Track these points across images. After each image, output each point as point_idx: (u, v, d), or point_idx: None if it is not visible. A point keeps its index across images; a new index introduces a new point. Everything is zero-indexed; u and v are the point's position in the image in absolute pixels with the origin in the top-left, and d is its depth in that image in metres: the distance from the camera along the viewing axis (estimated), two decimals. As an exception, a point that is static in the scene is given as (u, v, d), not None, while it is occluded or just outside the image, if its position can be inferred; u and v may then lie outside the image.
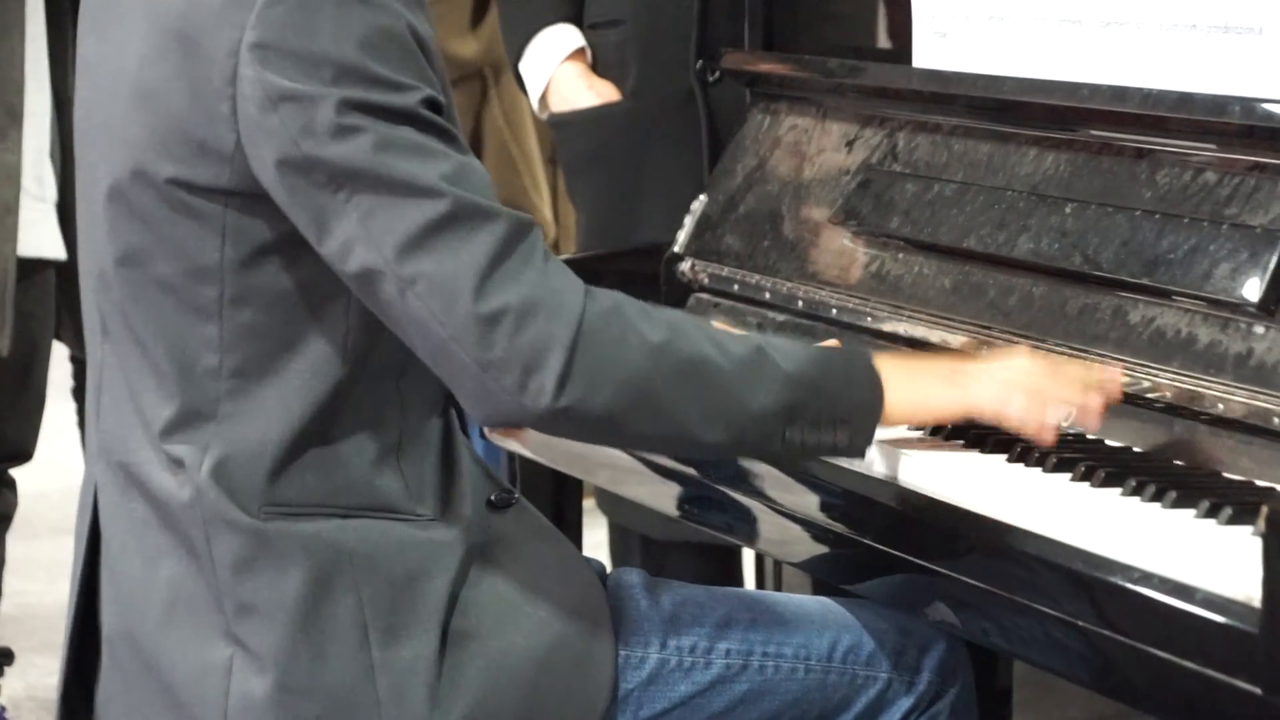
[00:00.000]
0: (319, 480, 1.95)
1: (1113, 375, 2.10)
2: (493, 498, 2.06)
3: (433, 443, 2.00)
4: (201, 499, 1.93)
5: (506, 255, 1.87)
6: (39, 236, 3.36)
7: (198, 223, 1.92)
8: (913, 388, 2.03)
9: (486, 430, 2.39)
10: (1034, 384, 2.06)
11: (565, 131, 3.27)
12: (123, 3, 1.98)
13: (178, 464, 1.95)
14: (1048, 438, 2.06)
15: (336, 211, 1.86)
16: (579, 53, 3.22)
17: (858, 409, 1.99)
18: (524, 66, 3.26)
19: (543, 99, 3.25)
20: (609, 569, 2.17)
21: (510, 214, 1.89)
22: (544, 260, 1.90)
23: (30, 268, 3.33)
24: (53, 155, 3.42)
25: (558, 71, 3.21)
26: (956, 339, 2.36)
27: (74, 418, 3.92)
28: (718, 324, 2.17)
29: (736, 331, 2.01)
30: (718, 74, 3.07)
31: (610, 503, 3.25)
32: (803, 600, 2.17)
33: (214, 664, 1.94)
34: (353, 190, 1.86)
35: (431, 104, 1.88)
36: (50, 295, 3.44)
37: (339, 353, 1.94)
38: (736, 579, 3.35)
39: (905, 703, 2.12)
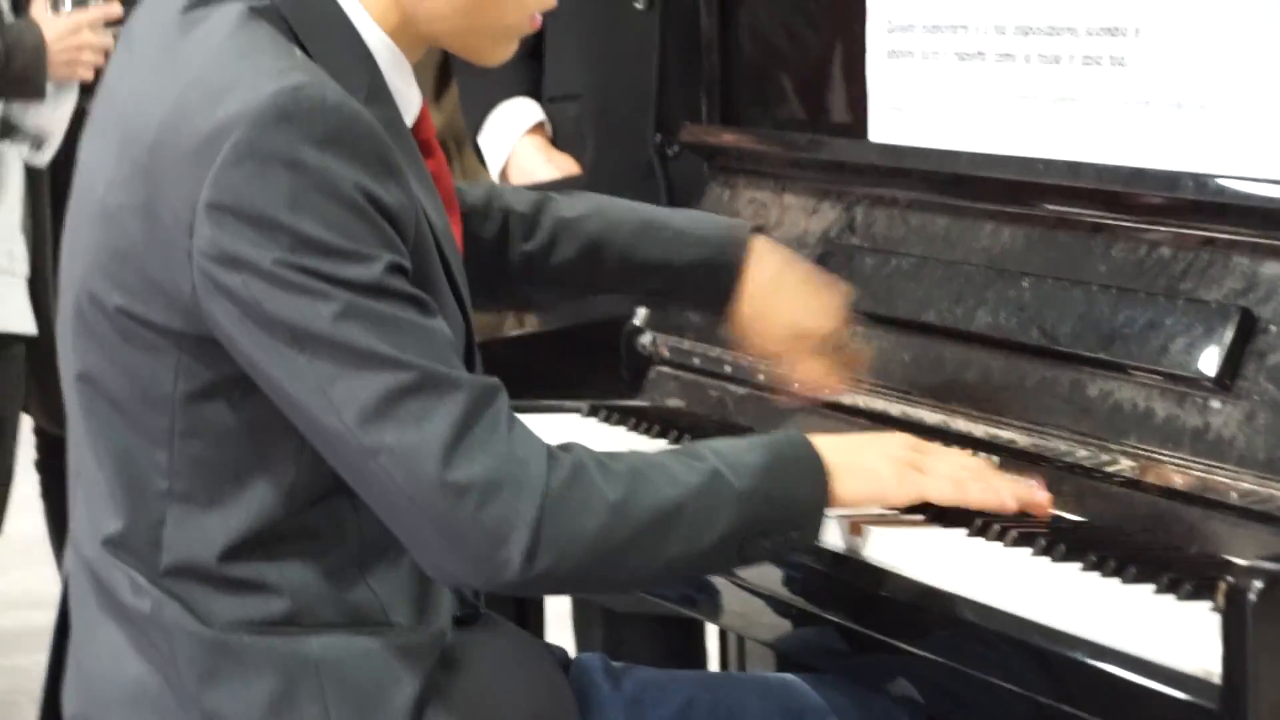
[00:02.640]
0: (278, 601, 1.93)
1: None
2: (457, 614, 2.05)
3: (404, 552, 1.97)
4: (161, 611, 1.93)
5: (471, 425, 1.86)
6: (8, 311, 3.35)
7: (150, 354, 1.91)
8: (863, 480, 2.04)
9: None
10: (980, 470, 2.08)
11: None
12: (110, 109, 1.97)
13: (130, 579, 1.94)
14: (1009, 508, 2.07)
15: (297, 371, 1.85)
16: (538, 126, 3.24)
17: (807, 511, 2.00)
18: (484, 139, 3.27)
19: (503, 172, 3.26)
20: (572, 646, 2.18)
21: (473, 380, 1.87)
22: (508, 428, 1.88)
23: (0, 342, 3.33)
24: (24, 229, 3.42)
25: (517, 145, 3.23)
26: (916, 413, 2.37)
27: (36, 489, 3.91)
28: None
29: (687, 450, 2.01)
30: (676, 148, 3.09)
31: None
32: (765, 678, 2.17)
33: None
34: (314, 353, 1.84)
35: (395, 269, 1.86)
36: (19, 370, 3.44)
37: (288, 485, 1.93)
38: (699, 653, 3.35)
39: (869, 779, 2.12)
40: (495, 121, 3.24)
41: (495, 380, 1.90)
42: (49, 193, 3.46)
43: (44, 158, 3.35)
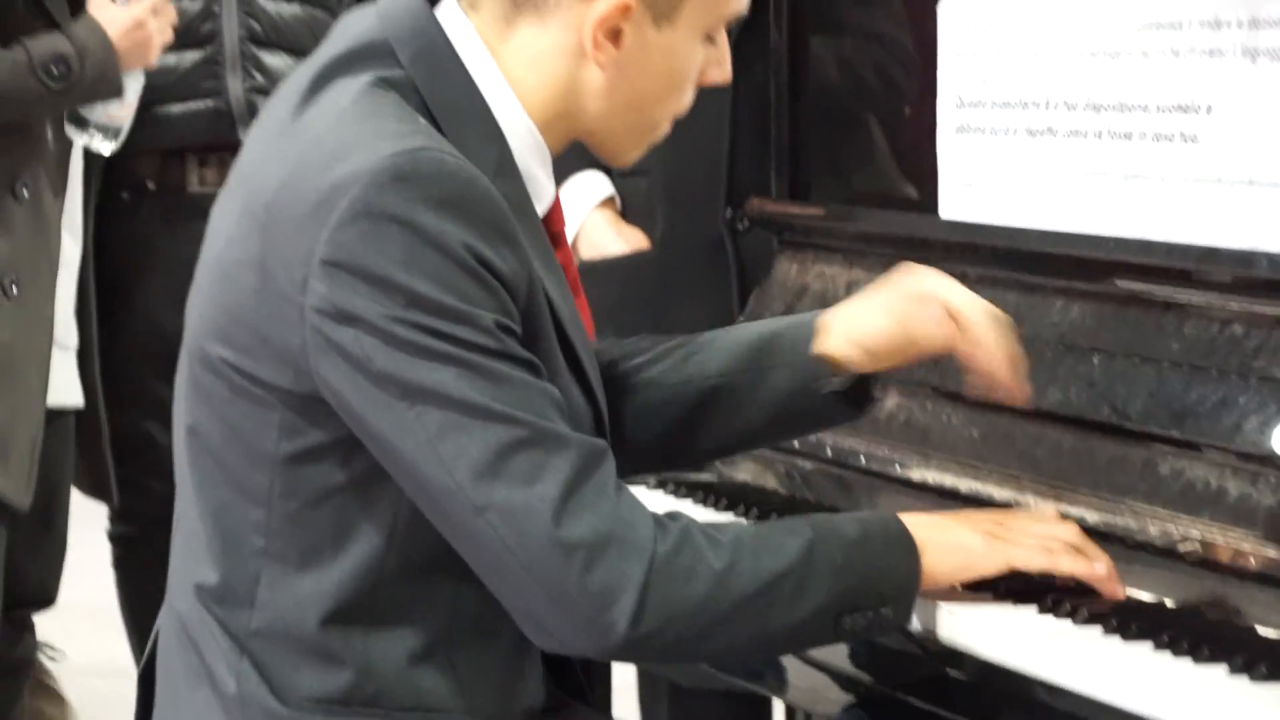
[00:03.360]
0: (357, 677, 1.93)
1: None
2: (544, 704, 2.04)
3: (501, 642, 1.97)
4: (241, 684, 1.93)
5: (581, 484, 1.86)
6: (61, 385, 3.37)
7: (255, 411, 1.92)
8: (952, 554, 2.03)
9: None
10: (1068, 539, 2.07)
11: (595, 278, 3.28)
12: (241, 172, 1.99)
13: (218, 639, 1.95)
14: (1099, 574, 2.05)
15: (406, 426, 1.85)
16: (608, 200, 3.25)
17: (901, 586, 1.99)
18: None
19: (573, 245, 3.27)
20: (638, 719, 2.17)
21: (583, 440, 1.88)
22: (616, 490, 1.89)
23: (51, 416, 3.35)
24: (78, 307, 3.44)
25: (588, 218, 3.24)
26: (986, 489, 2.36)
27: (105, 557, 3.93)
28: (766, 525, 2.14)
29: (785, 523, 2.01)
30: (746, 222, 3.10)
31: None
32: (832, 755, 2.17)
33: None
34: (425, 408, 1.84)
35: (505, 329, 1.87)
36: (70, 442, 3.45)
37: (384, 551, 1.93)
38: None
39: None
40: (566, 195, 3.25)
41: (604, 443, 1.91)
42: (93, 267, 3.48)
43: (111, 147, 3.34)
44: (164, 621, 2.03)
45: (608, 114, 1.99)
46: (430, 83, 1.94)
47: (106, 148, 3.34)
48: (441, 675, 1.95)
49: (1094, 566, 2.06)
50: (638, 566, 1.86)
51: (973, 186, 2.57)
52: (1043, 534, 2.07)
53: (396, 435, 1.86)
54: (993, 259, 2.50)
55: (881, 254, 2.67)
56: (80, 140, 3.30)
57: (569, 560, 1.84)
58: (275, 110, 2.00)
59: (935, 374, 2.48)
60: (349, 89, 1.93)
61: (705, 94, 3.13)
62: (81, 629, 4.09)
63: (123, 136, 3.34)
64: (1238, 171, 2.23)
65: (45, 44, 3.19)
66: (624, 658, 1.93)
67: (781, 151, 2.87)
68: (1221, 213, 2.24)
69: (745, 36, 3.10)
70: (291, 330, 1.88)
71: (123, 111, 3.32)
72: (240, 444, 1.93)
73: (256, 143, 2.00)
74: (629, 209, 3.25)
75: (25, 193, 3.20)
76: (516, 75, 1.97)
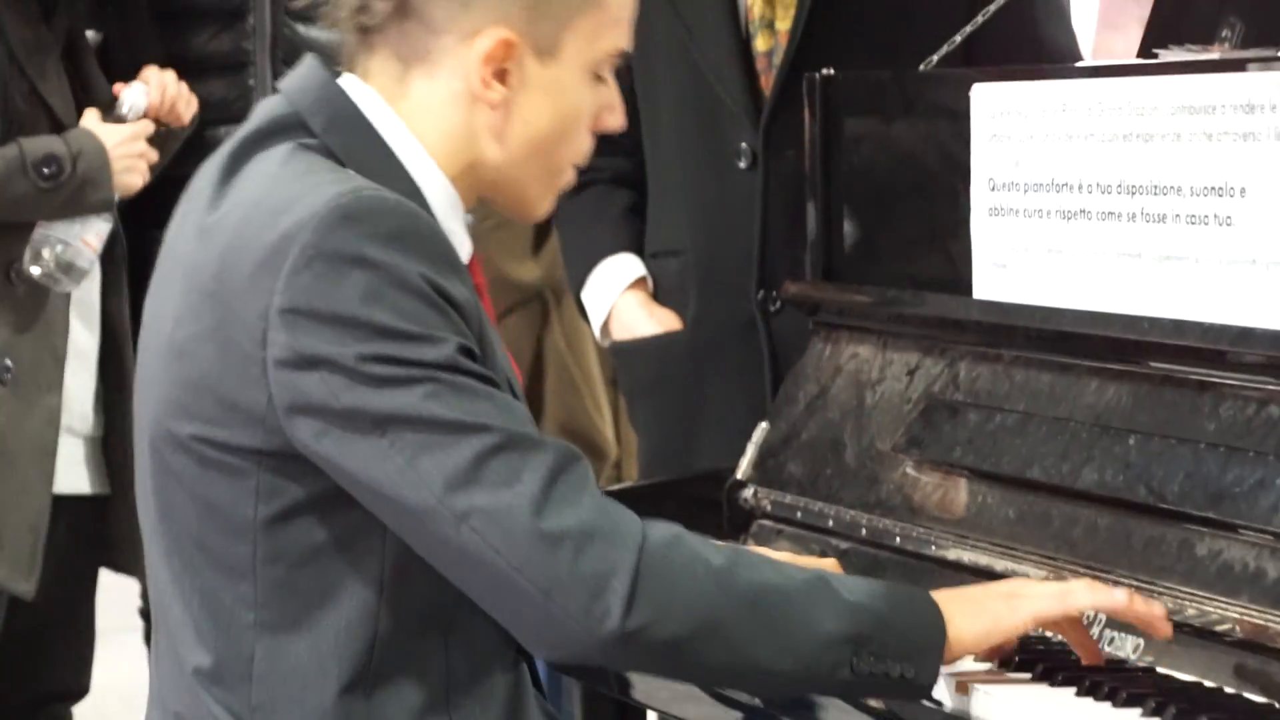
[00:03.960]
0: None
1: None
2: None
3: (496, 696, 1.98)
4: None
5: (558, 481, 1.88)
6: (70, 473, 3.36)
7: (229, 480, 1.93)
8: (977, 616, 2.03)
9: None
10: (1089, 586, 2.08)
11: (627, 359, 3.30)
12: (171, 263, 2.02)
13: (220, 717, 1.95)
14: (1119, 602, 2.05)
15: (381, 455, 1.87)
16: (640, 281, 3.27)
17: (924, 642, 1.99)
18: (586, 295, 3.30)
19: (604, 327, 3.29)
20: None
21: (556, 442, 1.91)
22: (595, 489, 1.91)
23: (67, 504, 3.34)
24: (97, 393, 3.42)
25: (619, 300, 3.25)
26: (1022, 569, 2.36)
27: (139, 638, 3.93)
28: (777, 554, 2.18)
29: (795, 564, 2.02)
30: (779, 304, 3.11)
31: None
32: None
33: None
34: (397, 434, 1.87)
35: (465, 351, 1.90)
36: (89, 530, 3.43)
37: (374, 606, 1.93)
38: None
39: None
40: (598, 277, 3.27)
41: (578, 449, 1.93)
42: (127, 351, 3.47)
43: (71, 286, 3.29)
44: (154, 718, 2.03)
45: (508, 159, 2.02)
46: (346, 148, 1.99)
47: (66, 285, 3.28)
48: None
49: (1114, 596, 2.06)
50: (628, 553, 1.87)
51: (1006, 268, 2.58)
52: (1061, 589, 2.07)
53: (372, 467, 1.88)
54: (1026, 340, 2.51)
55: (915, 334, 2.68)
56: (36, 272, 3.26)
57: (556, 551, 1.85)
58: (194, 199, 2.02)
59: (971, 454, 2.49)
60: (273, 157, 1.98)
61: (738, 176, 3.17)
62: (116, 713, 4.09)
63: (84, 271, 3.29)
64: (1272, 253, 2.23)
65: (40, 143, 3.22)
66: (621, 658, 1.91)
67: (815, 232, 2.88)
68: (1256, 294, 2.25)
69: (779, 119, 3.12)
70: (257, 388, 1.90)
71: (94, 243, 3.29)
72: (218, 519, 1.94)
73: (182, 231, 2.02)
74: (660, 290, 3.27)
75: (19, 278, 3.21)
76: (420, 130, 2.01)
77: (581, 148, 2.09)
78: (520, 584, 1.87)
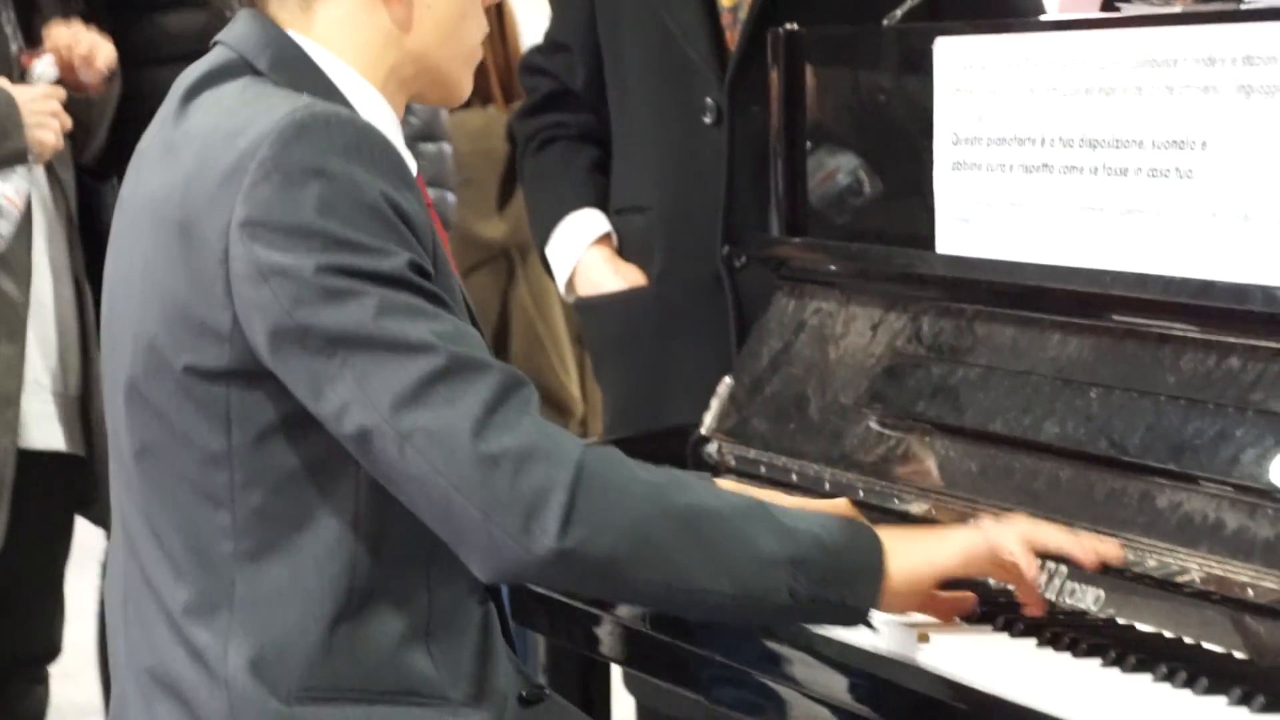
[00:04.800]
0: (346, 664, 1.96)
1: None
2: (523, 693, 2.06)
3: (469, 631, 2.01)
4: (232, 692, 1.95)
5: (501, 404, 1.91)
6: (38, 427, 3.34)
7: (205, 410, 1.95)
8: (911, 550, 2.04)
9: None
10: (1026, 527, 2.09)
11: (592, 315, 3.30)
12: (133, 213, 2.04)
13: (200, 656, 1.96)
14: (1080, 545, 2.07)
15: (331, 376, 1.90)
16: (605, 238, 3.26)
17: (862, 568, 2.00)
18: (551, 250, 3.29)
19: (569, 283, 3.28)
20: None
21: (504, 367, 1.93)
22: (538, 413, 1.93)
23: (41, 462, 3.33)
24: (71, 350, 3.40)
25: (584, 256, 3.25)
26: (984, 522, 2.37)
27: (88, 592, 3.92)
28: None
29: (732, 491, 2.04)
30: (744, 259, 3.11)
31: (635, 681, 3.24)
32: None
33: None
34: (347, 353, 1.90)
35: (417, 268, 1.93)
36: (61, 488, 3.42)
37: (351, 532, 1.96)
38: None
39: None
40: (562, 233, 3.27)
41: (524, 375, 1.95)
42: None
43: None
44: (129, 692, 2.03)
45: (422, 47, 2.06)
46: (293, 83, 2.01)
47: None
48: (424, 660, 1.98)
49: (1038, 532, 2.06)
50: (565, 471, 1.89)
51: (969, 222, 2.58)
52: (1002, 526, 2.08)
53: (326, 389, 1.90)
54: (989, 294, 2.51)
55: (879, 289, 2.69)
56: None
57: (495, 471, 1.88)
58: (153, 140, 2.06)
59: (934, 408, 2.49)
60: (227, 90, 2.01)
61: (703, 133, 3.17)
62: (82, 670, 4.09)
63: (6, 235, 3.29)
64: (1233, 206, 2.24)
65: None
66: (558, 576, 1.93)
67: (780, 189, 2.88)
68: (1217, 247, 2.25)
69: (745, 75, 3.12)
70: (222, 308, 1.93)
71: (15, 198, 3.27)
72: (194, 449, 1.96)
73: (143, 170, 2.05)
74: (626, 246, 3.26)
75: None
76: (340, 50, 2.05)
77: (482, 24, 2.12)
78: (460, 504, 1.89)
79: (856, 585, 1.98)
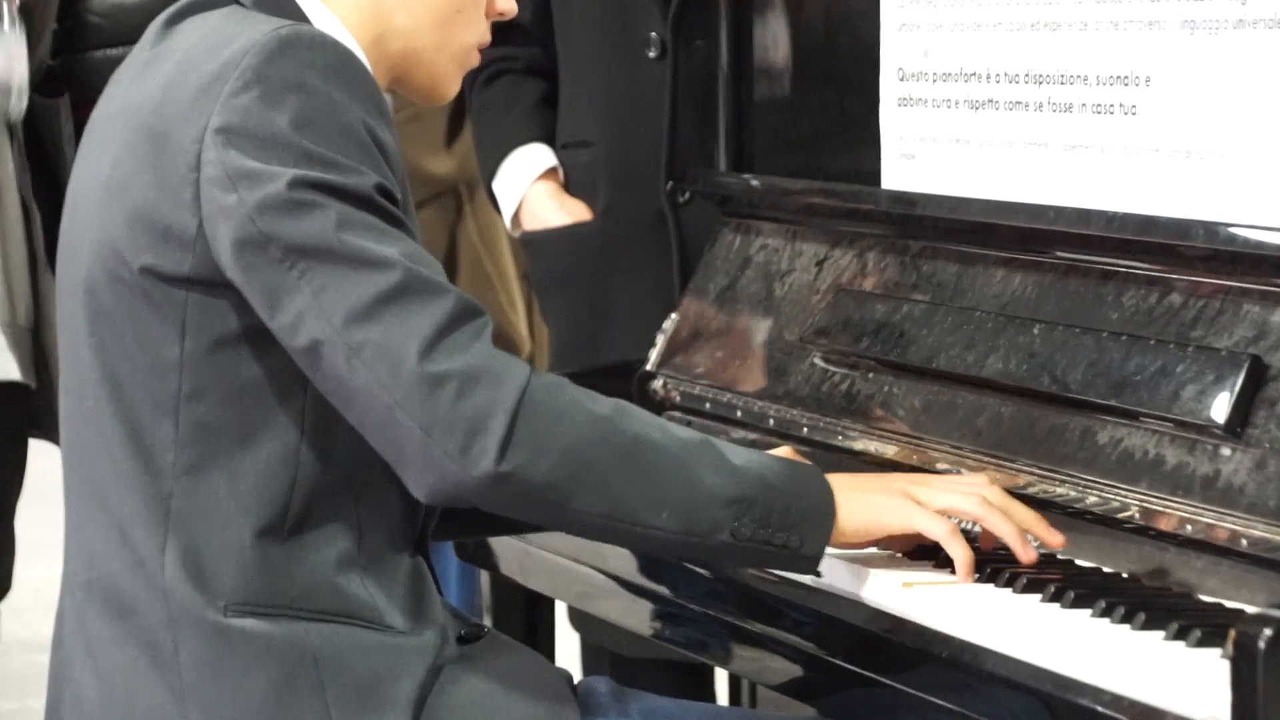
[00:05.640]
0: (283, 581, 1.96)
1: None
2: (463, 632, 2.06)
3: (399, 573, 2.01)
4: (170, 601, 1.94)
5: (454, 328, 1.90)
6: (2, 359, 3.32)
7: (160, 314, 1.95)
8: (863, 507, 2.04)
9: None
10: (988, 498, 2.08)
11: (536, 250, 3.29)
12: (103, 123, 2.04)
13: (142, 565, 1.96)
14: (1028, 550, 2.07)
15: (290, 287, 1.90)
16: (551, 172, 3.25)
17: (809, 514, 1.99)
18: (497, 185, 3.28)
19: (515, 217, 3.28)
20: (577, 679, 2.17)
21: (460, 294, 1.93)
22: (489, 341, 1.93)
23: None
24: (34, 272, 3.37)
25: (530, 190, 3.24)
26: (927, 458, 2.37)
27: (47, 534, 3.91)
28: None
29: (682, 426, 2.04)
30: (688, 195, 3.10)
31: (580, 619, 3.25)
32: (774, 718, 2.17)
33: None
34: (307, 265, 1.90)
35: (385, 192, 1.93)
36: (10, 421, 3.40)
37: (293, 455, 1.96)
38: (709, 699, 3.34)
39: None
40: (509, 168, 3.26)
41: (480, 302, 1.95)
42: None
43: (17, 109, 3.21)
44: (70, 604, 2.03)
45: (414, 28, 2.06)
46: (274, 11, 2.01)
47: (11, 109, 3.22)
48: (360, 587, 1.98)
49: (1002, 525, 2.06)
50: (509, 395, 1.89)
51: (915, 158, 2.58)
52: (958, 490, 2.08)
53: (283, 300, 1.90)
54: (934, 230, 2.51)
55: (824, 225, 2.68)
56: None
57: (439, 391, 1.88)
58: (127, 66, 2.06)
59: (878, 344, 2.49)
60: (212, 15, 2.02)
61: (647, 67, 3.15)
62: (28, 606, 4.08)
63: (19, 101, 3.24)
64: (1176, 142, 2.24)
65: None
66: (497, 499, 1.92)
67: (725, 123, 2.87)
68: (1160, 183, 2.25)
69: (688, 10, 3.11)
70: (189, 212, 1.93)
71: (13, 65, 3.22)
72: (146, 354, 1.96)
73: (122, 84, 2.05)
74: (571, 181, 3.25)
75: None
76: (331, 3, 2.05)
77: (481, 30, 2.12)
78: (403, 421, 1.89)
79: (804, 530, 1.98)
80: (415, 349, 1.88)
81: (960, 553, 2.06)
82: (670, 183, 3.12)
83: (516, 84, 3.29)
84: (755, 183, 2.82)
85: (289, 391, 1.96)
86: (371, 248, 1.90)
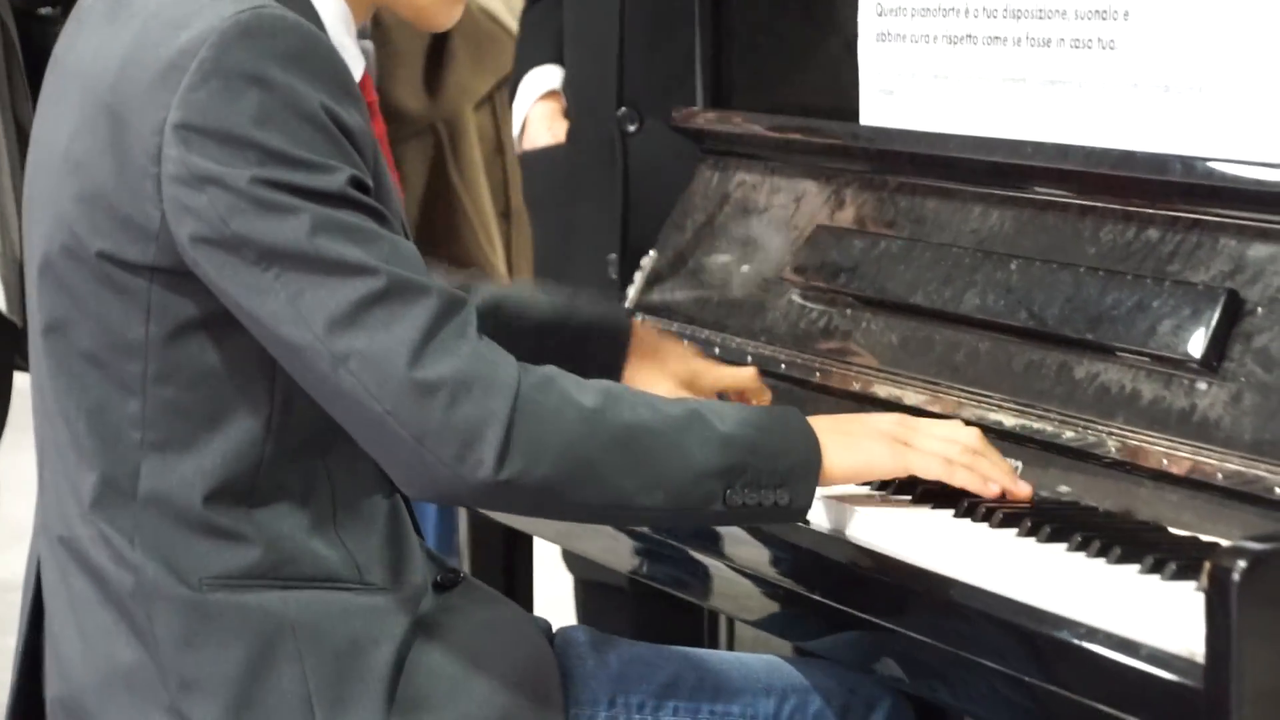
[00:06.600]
0: (256, 551, 1.94)
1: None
2: (439, 578, 2.06)
3: (377, 520, 1.99)
4: (140, 576, 1.93)
5: (440, 329, 1.87)
6: None
7: (123, 298, 1.92)
8: (852, 451, 2.04)
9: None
10: (969, 446, 2.08)
11: (524, 169, 3.35)
12: (64, 78, 2.00)
13: (108, 541, 1.95)
14: (992, 492, 2.08)
15: (264, 289, 1.86)
16: (552, 93, 3.26)
17: (797, 469, 1.99)
18: (514, 105, 3.34)
19: (519, 136, 3.32)
20: (555, 626, 2.17)
21: (443, 289, 1.89)
22: (477, 335, 1.90)
23: None
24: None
25: (531, 110, 3.27)
26: (903, 393, 2.37)
27: (28, 471, 3.90)
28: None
29: (664, 398, 2.02)
30: (636, 125, 3.09)
31: (572, 558, 3.26)
32: (750, 659, 2.17)
33: None
34: (282, 269, 1.86)
35: (357, 184, 1.89)
36: None
37: (262, 431, 1.94)
38: (698, 631, 3.35)
39: (851, 759, 2.12)
40: (522, 89, 3.32)
41: (463, 293, 1.92)
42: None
43: None
44: (44, 552, 2.02)
45: None
46: None
47: None
48: (334, 548, 1.97)
49: (987, 486, 2.08)
50: (502, 402, 1.87)
51: (893, 94, 2.57)
52: (945, 438, 2.08)
53: (255, 299, 1.87)
54: (912, 165, 2.50)
55: (802, 161, 2.68)
56: None
57: (430, 400, 1.85)
58: (93, 7, 2.00)
59: (856, 280, 2.49)
60: None
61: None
62: (8, 544, 4.07)
63: None
64: (1154, 77, 2.23)
65: None
66: (495, 504, 1.93)
67: (703, 60, 2.86)
68: (1138, 117, 2.25)
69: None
70: (151, 204, 1.89)
71: None
72: (109, 335, 1.93)
73: (79, 38, 2.00)
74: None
75: None
76: None
77: None
78: (394, 429, 1.87)
79: (792, 485, 1.99)
80: (404, 356, 1.85)
81: (968, 479, 2.07)
82: (622, 109, 3.11)
83: (551, 4, 3.31)
84: (734, 119, 2.81)
85: (258, 374, 1.93)
86: (346, 252, 1.86)
